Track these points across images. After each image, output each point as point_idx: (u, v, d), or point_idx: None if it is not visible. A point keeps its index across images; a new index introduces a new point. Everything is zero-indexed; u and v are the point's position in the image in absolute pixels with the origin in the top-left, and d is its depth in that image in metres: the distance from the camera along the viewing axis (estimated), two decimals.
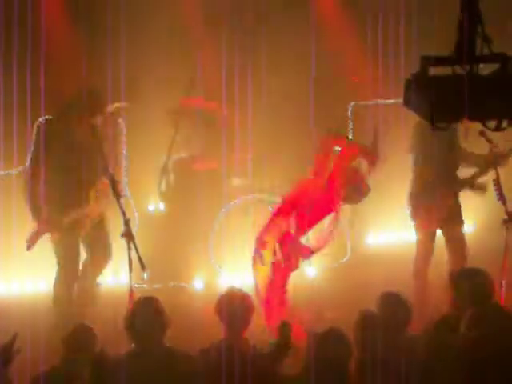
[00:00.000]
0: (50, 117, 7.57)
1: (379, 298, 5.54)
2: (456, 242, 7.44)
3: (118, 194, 6.33)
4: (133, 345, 5.29)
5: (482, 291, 5.50)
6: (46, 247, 7.35)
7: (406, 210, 7.57)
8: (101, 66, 8.08)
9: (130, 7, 8.09)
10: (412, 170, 7.46)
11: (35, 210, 6.83)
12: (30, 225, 6.91)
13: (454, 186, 7.36)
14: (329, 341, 5.14)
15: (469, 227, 9.12)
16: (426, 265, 7.50)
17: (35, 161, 6.89)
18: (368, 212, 9.08)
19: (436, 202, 7.31)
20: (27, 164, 7.19)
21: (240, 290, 5.85)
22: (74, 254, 7.05)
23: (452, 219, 7.44)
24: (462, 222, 7.52)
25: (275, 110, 8.45)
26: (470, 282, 5.54)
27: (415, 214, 7.46)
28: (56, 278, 7.10)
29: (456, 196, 7.41)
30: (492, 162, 7.08)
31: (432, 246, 7.52)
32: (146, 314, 5.27)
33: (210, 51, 8.59)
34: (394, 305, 5.43)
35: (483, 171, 7.23)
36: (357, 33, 8.57)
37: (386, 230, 9.41)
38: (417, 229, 7.56)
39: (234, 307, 5.53)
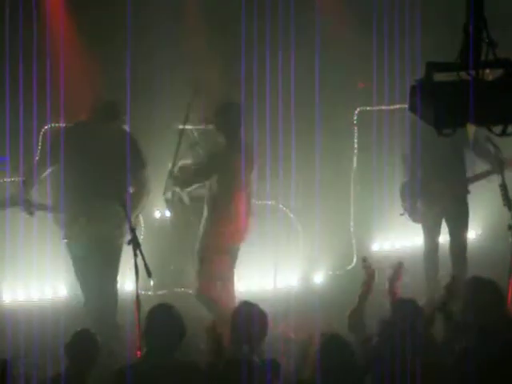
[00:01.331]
0: (61, 124, 7.60)
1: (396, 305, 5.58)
2: (457, 243, 7.53)
3: (123, 202, 6.35)
4: (144, 352, 5.29)
5: (492, 305, 5.49)
6: (50, 255, 7.38)
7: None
8: (106, 73, 8.11)
9: (136, 13, 8.11)
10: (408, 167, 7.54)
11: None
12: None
13: (455, 184, 7.44)
14: (331, 347, 5.15)
15: (475, 232, 9.15)
16: (431, 260, 7.57)
17: (41, 164, 6.92)
18: (372, 219, 9.08)
19: (429, 197, 7.40)
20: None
21: (255, 306, 5.76)
22: (78, 266, 7.07)
23: (457, 220, 7.52)
24: (466, 224, 7.59)
25: (280, 117, 8.45)
26: (480, 295, 5.54)
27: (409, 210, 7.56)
28: None
29: (459, 195, 7.48)
30: (498, 167, 7.13)
31: (432, 245, 7.59)
32: (166, 320, 5.29)
33: (215, 59, 8.60)
34: (409, 312, 5.44)
35: (488, 173, 7.32)
36: (362, 38, 8.57)
37: (390, 237, 9.41)
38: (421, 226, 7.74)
39: (249, 328, 5.47)
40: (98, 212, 6.84)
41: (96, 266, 6.95)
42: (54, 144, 6.87)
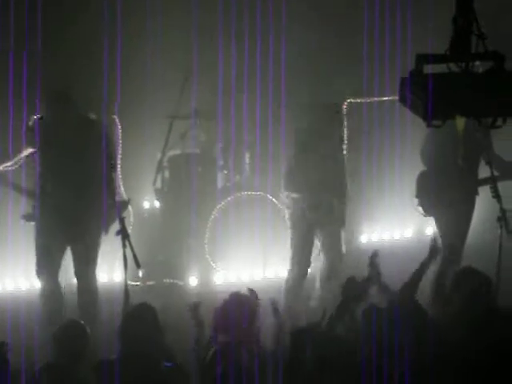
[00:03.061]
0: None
1: None
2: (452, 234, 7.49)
3: (112, 192, 6.32)
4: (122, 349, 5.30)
5: (480, 298, 5.51)
6: None
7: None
8: (96, 65, 8.07)
9: (127, 7, 8.08)
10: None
11: None
12: None
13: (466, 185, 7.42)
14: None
15: None
16: None
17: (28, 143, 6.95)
18: (361, 211, 9.09)
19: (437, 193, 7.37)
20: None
21: (239, 296, 5.76)
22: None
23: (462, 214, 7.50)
24: (468, 218, 7.57)
25: (269, 108, 8.43)
26: (470, 286, 5.55)
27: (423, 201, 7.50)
28: None
29: (468, 196, 7.46)
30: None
31: None
32: (141, 324, 5.30)
33: (207, 50, 8.57)
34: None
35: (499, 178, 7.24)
36: (353, 30, 8.57)
37: (379, 229, 9.41)
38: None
39: (230, 320, 5.48)
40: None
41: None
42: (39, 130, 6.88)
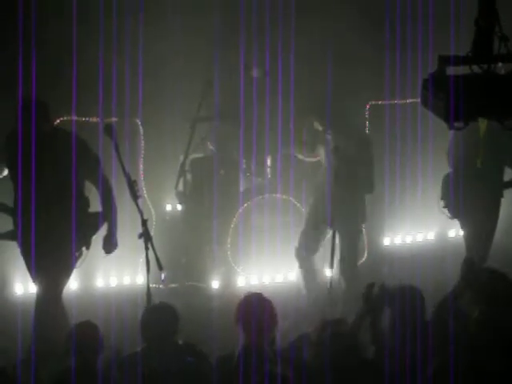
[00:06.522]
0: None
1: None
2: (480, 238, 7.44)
3: (135, 195, 6.30)
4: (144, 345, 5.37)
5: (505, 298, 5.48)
6: None
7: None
8: (116, 69, 8.09)
9: (146, 8, 8.09)
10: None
11: None
12: None
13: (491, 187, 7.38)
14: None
15: None
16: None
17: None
18: (384, 214, 9.07)
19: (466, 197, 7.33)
20: None
21: (260, 295, 5.77)
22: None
23: (487, 216, 7.45)
24: (494, 221, 7.52)
25: (291, 112, 8.44)
26: (493, 288, 5.52)
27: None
28: None
29: (493, 200, 7.42)
30: None
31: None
32: (160, 321, 5.38)
33: (228, 53, 8.58)
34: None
35: None
36: (374, 32, 8.55)
37: (401, 232, 9.38)
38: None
39: (253, 316, 5.46)
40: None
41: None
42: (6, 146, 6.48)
